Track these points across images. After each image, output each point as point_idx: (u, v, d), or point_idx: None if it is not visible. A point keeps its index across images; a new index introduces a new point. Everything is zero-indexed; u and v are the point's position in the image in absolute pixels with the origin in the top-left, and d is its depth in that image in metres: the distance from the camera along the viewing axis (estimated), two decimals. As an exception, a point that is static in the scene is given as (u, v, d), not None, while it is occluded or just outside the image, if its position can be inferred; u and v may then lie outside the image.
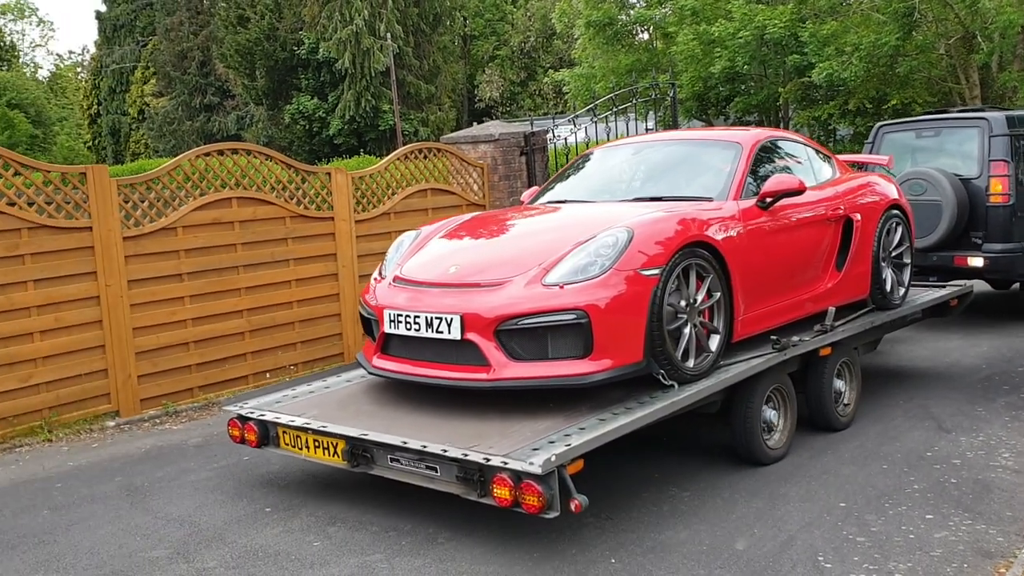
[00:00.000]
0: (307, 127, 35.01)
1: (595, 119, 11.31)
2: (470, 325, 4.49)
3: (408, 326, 4.75)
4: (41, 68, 61.94)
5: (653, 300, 4.47)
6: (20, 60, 53.84)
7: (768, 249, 5.32)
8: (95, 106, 49.37)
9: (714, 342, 4.90)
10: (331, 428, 4.61)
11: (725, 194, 5.33)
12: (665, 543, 4.21)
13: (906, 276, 6.71)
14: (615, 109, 11.77)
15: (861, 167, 7.63)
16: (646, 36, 22.87)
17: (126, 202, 6.98)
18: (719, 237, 4.90)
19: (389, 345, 4.99)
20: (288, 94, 35.36)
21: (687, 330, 4.70)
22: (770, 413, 5.28)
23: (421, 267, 5.10)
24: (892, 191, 6.65)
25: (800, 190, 5.36)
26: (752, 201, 5.34)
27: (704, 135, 6.44)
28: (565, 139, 11.18)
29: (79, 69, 59.27)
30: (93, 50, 51.78)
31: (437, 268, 5.00)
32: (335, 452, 4.57)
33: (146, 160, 33.46)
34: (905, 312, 6.63)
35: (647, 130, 13.51)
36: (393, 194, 8.87)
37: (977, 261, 8.31)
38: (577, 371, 4.38)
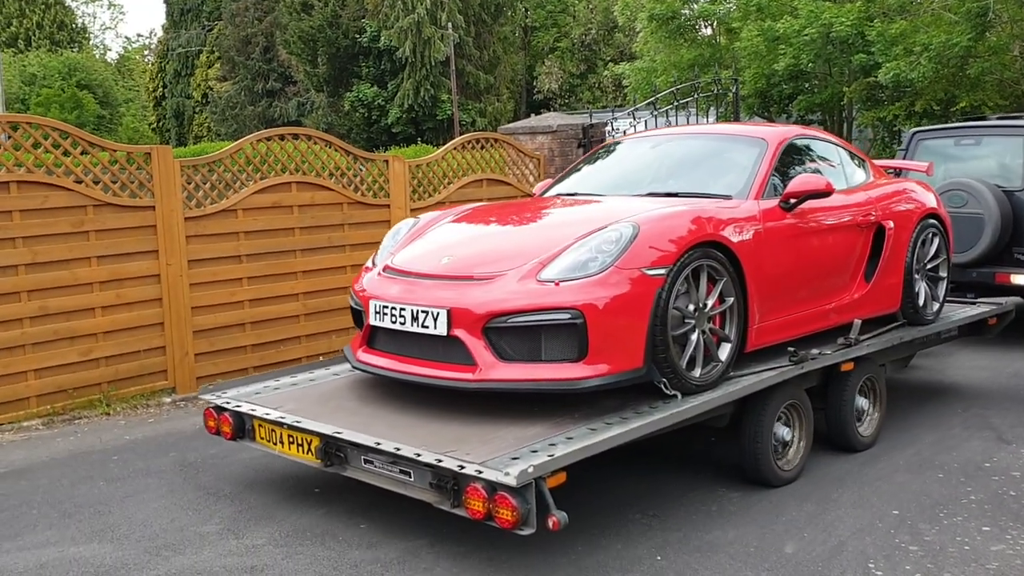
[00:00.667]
0: (366, 115, 35.32)
1: (655, 113, 11.22)
2: (457, 321, 4.24)
3: (394, 319, 4.52)
4: (110, 50, 63.40)
5: (657, 302, 4.18)
6: (90, 42, 55.05)
7: (790, 254, 5.01)
8: (160, 88, 50.34)
9: (724, 351, 4.59)
10: (305, 424, 4.38)
11: (745, 192, 5.02)
12: (712, 543, 4.17)
13: (941, 290, 6.34)
14: (676, 103, 11.67)
15: (898, 173, 7.34)
16: (709, 31, 22.61)
17: (188, 183, 7.11)
18: (735, 238, 4.59)
19: (375, 339, 4.77)
20: (348, 81, 35.70)
21: (694, 336, 4.39)
22: (783, 431, 4.94)
23: (413, 257, 4.86)
24: (930, 199, 6.30)
25: (827, 192, 5.04)
26: (775, 201, 5.03)
27: (730, 129, 6.09)
28: (624, 132, 11.11)
29: (146, 52, 60.51)
30: (160, 33, 52.80)
31: (429, 259, 4.75)
32: (309, 449, 4.34)
33: (208, 143, 34.04)
34: (939, 328, 6.25)
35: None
36: (449, 183, 8.90)
37: (1020, 279, 7.88)
38: (569, 375, 4.09)
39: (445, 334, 4.27)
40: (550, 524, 3.56)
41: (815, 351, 5.05)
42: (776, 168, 5.27)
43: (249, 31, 40.66)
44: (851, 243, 5.55)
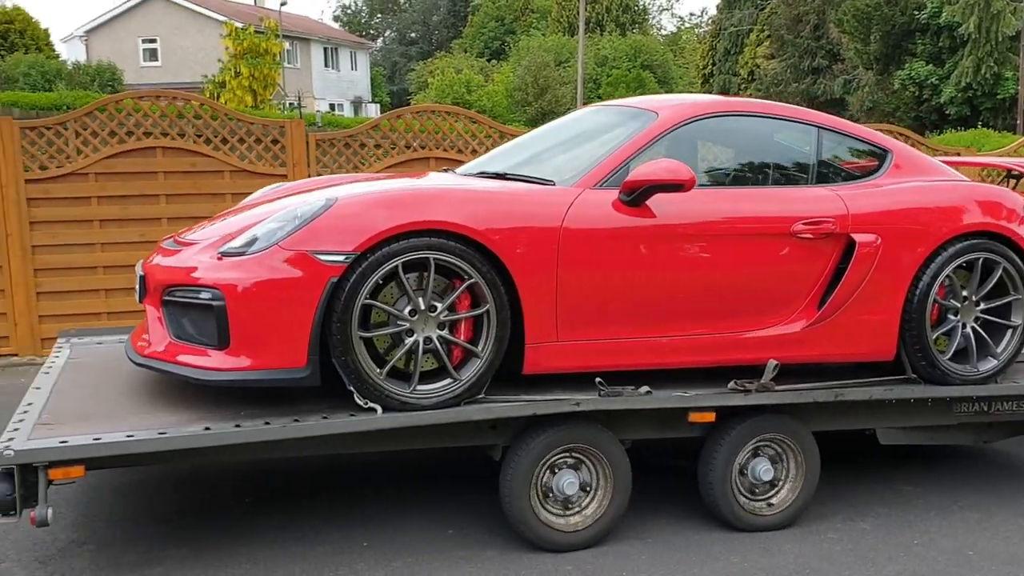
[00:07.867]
0: (916, 93, 34.15)
1: None
2: (149, 289, 3.90)
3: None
4: (663, 30, 68.59)
5: (333, 293, 3.47)
6: (648, 22, 60.24)
7: (626, 259, 3.91)
8: (710, 66, 53.57)
9: (471, 367, 3.72)
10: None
11: (575, 179, 3.99)
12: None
13: (1004, 343, 4.43)
14: None
15: (1016, 176, 5.48)
16: None
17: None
18: (493, 229, 3.66)
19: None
20: (900, 59, 34.72)
21: (409, 341, 3.63)
22: (565, 481, 3.91)
23: (205, 227, 4.35)
24: (983, 210, 4.36)
25: (678, 184, 3.79)
26: (615, 193, 3.94)
27: (630, 102, 4.79)
28: None
29: (698, 31, 64.59)
30: (714, 13, 55.97)
31: (204, 228, 4.26)
32: None
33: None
34: (988, 393, 4.42)
35: None
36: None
37: None
38: (204, 364, 3.54)
39: (139, 301, 3.99)
40: (29, 517, 3.24)
41: (645, 388, 3.93)
42: (670, 151, 4.16)
43: (801, 9, 41.43)
44: (774, 256, 4.15)
